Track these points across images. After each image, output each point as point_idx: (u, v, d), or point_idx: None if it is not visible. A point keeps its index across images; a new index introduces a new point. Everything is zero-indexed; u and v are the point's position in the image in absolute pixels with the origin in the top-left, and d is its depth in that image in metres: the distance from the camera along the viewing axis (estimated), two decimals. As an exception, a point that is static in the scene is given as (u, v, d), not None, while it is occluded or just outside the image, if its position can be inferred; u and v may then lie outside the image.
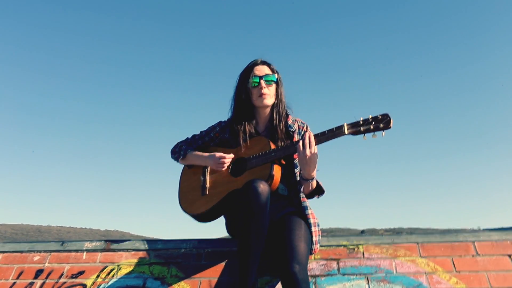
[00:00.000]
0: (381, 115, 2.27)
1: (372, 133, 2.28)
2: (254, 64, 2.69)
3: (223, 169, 2.56)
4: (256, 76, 2.61)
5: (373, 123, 2.27)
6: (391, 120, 2.23)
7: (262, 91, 2.60)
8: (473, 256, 2.50)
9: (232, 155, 2.59)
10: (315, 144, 2.35)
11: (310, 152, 2.31)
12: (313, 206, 2.53)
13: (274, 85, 2.67)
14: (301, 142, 2.35)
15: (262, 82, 2.60)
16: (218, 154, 2.58)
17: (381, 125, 2.25)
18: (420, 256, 2.53)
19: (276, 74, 2.68)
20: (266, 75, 2.63)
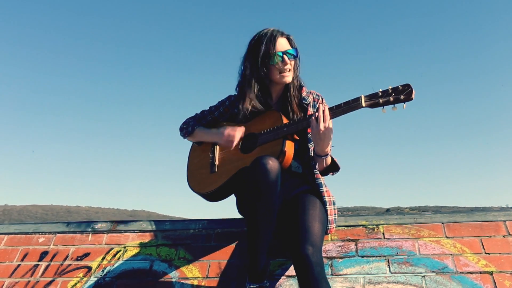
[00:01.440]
0: (402, 86, 2.05)
1: (392, 105, 2.06)
2: (274, 36, 2.41)
3: (233, 144, 2.39)
4: (279, 51, 2.37)
5: (393, 94, 2.06)
6: (413, 91, 2.01)
7: (285, 68, 2.38)
8: (504, 236, 2.30)
9: (241, 132, 2.42)
10: (330, 118, 2.17)
11: (325, 127, 2.13)
12: (334, 184, 2.35)
13: (294, 60, 2.46)
14: (314, 115, 2.17)
15: (286, 58, 2.37)
16: (227, 130, 2.42)
17: (402, 97, 2.03)
18: (446, 236, 2.35)
19: (295, 47, 2.47)
20: (289, 49, 2.40)
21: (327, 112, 2.16)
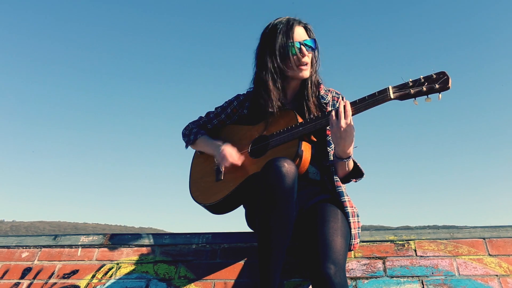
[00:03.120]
0: (436, 74, 1.80)
1: (426, 96, 1.81)
2: (291, 24, 2.17)
3: (227, 165, 2.14)
4: (296, 41, 2.12)
5: (426, 83, 1.81)
6: (450, 79, 1.76)
7: (303, 60, 2.13)
8: (559, 254, 1.98)
9: (238, 158, 2.15)
10: (353, 114, 1.90)
11: (346, 123, 1.86)
12: (350, 193, 2.08)
13: (312, 53, 2.20)
14: (334, 111, 1.91)
15: (304, 49, 2.12)
16: (225, 150, 2.15)
17: (437, 86, 1.78)
18: (489, 254, 2.04)
19: (314, 38, 2.20)
20: (306, 40, 2.15)
21: (348, 107, 1.90)
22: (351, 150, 1.95)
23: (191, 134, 2.38)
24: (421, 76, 1.82)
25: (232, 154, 2.13)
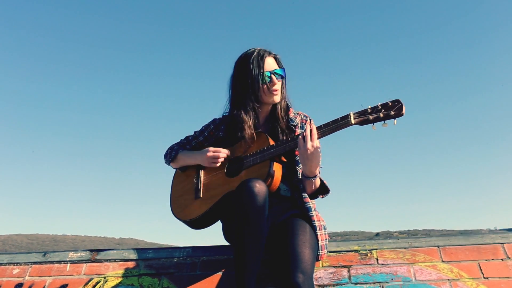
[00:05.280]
0: (392, 102, 2.00)
1: (383, 122, 2.00)
2: (262, 55, 2.35)
3: (217, 165, 2.30)
4: (267, 71, 2.31)
5: (383, 110, 2.00)
6: (403, 106, 1.96)
7: (274, 88, 2.32)
8: (502, 260, 2.21)
9: (225, 152, 2.34)
10: (319, 138, 2.10)
11: (312, 146, 2.05)
12: (324, 208, 2.26)
13: (281, 80, 2.40)
14: (302, 135, 2.10)
15: (274, 78, 2.32)
16: (211, 149, 2.33)
17: (392, 112, 1.98)
18: (442, 261, 2.25)
19: (283, 67, 2.41)
20: (276, 69, 2.35)
21: (314, 131, 2.09)
22: (317, 170, 2.14)
23: (172, 151, 2.52)
24: (379, 104, 2.02)
25: (219, 151, 2.31)
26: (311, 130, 2.09)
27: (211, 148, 2.34)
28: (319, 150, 2.07)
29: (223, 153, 2.32)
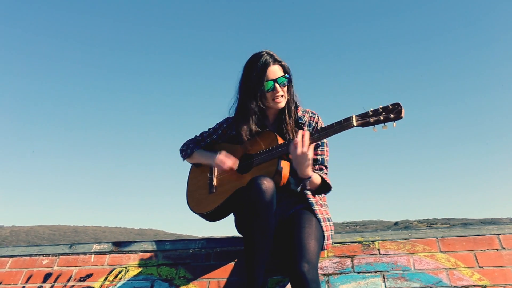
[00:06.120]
0: (392, 105, 2.10)
1: (383, 124, 2.11)
2: (265, 65, 2.45)
3: (226, 169, 2.46)
4: (270, 80, 2.42)
5: (383, 113, 2.11)
6: (403, 110, 2.07)
7: (277, 95, 2.44)
8: (497, 250, 2.34)
9: (234, 159, 2.47)
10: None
11: (302, 152, 2.18)
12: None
13: (287, 86, 2.51)
14: (293, 141, 2.22)
15: (277, 86, 2.43)
16: (221, 156, 2.48)
17: (392, 115, 2.08)
18: (440, 251, 2.39)
19: (288, 72, 2.52)
20: (280, 77, 2.44)
21: (306, 138, 2.20)
22: (309, 172, 2.26)
23: (188, 148, 2.67)
24: (380, 106, 2.12)
25: (226, 159, 2.45)
26: (303, 136, 2.21)
27: (222, 154, 2.48)
28: (307, 155, 2.19)
29: (232, 158, 2.46)
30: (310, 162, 2.23)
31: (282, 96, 2.47)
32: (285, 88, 2.50)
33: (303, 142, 2.19)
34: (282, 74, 2.47)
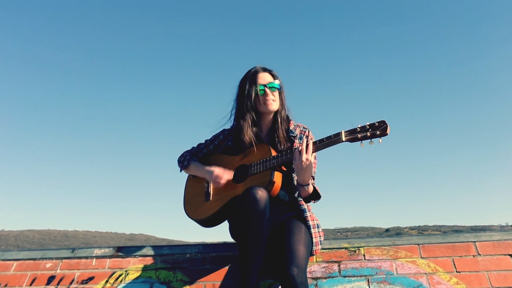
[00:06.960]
0: (378, 122, 2.26)
1: (369, 140, 2.26)
2: (256, 72, 2.72)
3: (219, 185, 2.60)
4: (260, 84, 2.66)
5: (370, 130, 2.26)
6: (388, 127, 2.22)
7: (268, 97, 2.65)
8: (474, 256, 2.51)
9: (228, 175, 2.61)
10: (314, 152, 2.38)
11: (306, 159, 2.33)
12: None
13: (277, 92, 2.71)
14: (298, 148, 2.38)
15: (267, 89, 2.65)
16: (216, 171, 2.61)
17: (378, 132, 2.24)
18: (421, 257, 2.55)
19: (278, 80, 2.73)
20: (270, 82, 2.68)
21: (310, 146, 2.36)
22: (309, 179, 2.44)
23: (185, 160, 2.82)
24: (367, 123, 2.27)
25: (222, 175, 2.59)
26: (307, 145, 2.36)
27: (217, 170, 2.61)
28: (311, 163, 2.35)
29: (226, 174, 2.60)
30: (311, 169, 2.39)
31: (273, 100, 2.67)
32: (276, 93, 2.70)
33: (307, 150, 2.35)
34: (273, 80, 2.71)
